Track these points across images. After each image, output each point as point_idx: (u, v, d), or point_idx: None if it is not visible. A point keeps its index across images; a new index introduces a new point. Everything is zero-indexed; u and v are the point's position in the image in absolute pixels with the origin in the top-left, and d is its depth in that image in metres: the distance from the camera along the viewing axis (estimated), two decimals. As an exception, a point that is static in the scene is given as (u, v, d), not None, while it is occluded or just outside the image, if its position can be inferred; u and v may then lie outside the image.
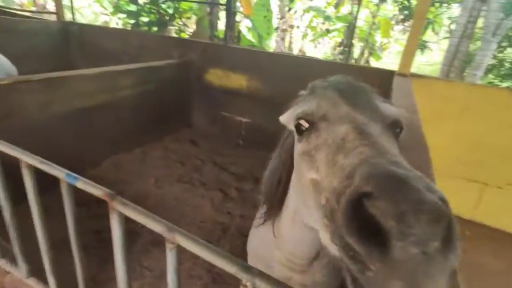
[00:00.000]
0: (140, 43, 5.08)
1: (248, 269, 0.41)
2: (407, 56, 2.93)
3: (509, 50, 11.47)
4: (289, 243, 1.08)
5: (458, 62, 7.47)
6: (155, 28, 6.85)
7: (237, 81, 4.27)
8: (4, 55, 3.20)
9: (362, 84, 0.89)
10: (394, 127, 0.74)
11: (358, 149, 0.60)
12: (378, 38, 14.97)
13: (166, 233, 0.49)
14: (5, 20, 4.99)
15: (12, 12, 6.07)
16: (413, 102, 1.82)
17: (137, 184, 3.22)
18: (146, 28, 6.95)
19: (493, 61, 10.22)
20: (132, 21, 6.95)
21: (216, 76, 4.44)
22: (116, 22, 8.61)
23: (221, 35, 6.07)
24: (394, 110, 0.78)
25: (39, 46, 5.27)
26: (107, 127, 3.45)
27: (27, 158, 0.78)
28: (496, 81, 10.87)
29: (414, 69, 3.20)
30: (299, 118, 0.80)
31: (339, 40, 15.31)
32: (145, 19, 6.83)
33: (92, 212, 2.70)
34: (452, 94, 2.95)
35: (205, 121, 4.75)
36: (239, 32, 6.24)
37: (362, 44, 15.37)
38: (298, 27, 13.93)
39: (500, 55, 11.30)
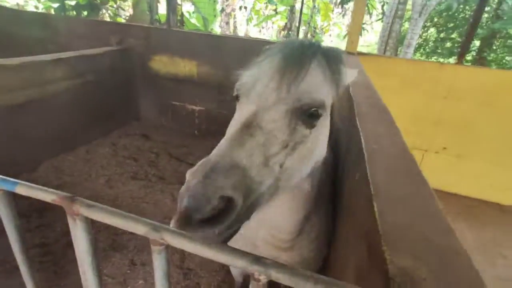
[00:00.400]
0: (69, 29, 4.50)
1: (259, 260, 0.35)
2: (353, 35, 3.04)
3: (432, 30, 12.77)
4: (269, 216, 1.04)
5: (392, 42, 8.09)
6: (85, 13, 6.04)
7: (186, 67, 4.05)
8: None
9: (312, 48, 0.89)
10: (308, 107, 0.79)
11: (222, 140, 0.72)
12: (318, 21, 15.50)
13: (151, 234, 0.41)
14: None
15: None
16: (366, 77, 1.89)
17: (84, 186, 2.91)
18: (73, 12, 6.10)
19: (419, 40, 11.31)
20: (56, 4, 6.03)
21: (162, 63, 4.15)
22: (35, 5, 7.41)
23: (163, 19, 5.66)
24: (318, 90, 0.84)
25: None
26: (38, 126, 3.02)
27: None
28: (422, 59, 12.08)
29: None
30: (236, 90, 0.88)
31: (283, 24, 15.50)
32: (71, 2, 5.98)
33: (33, 224, 2.38)
34: (393, 70, 3.17)
35: (154, 112, 4.45)
36: (182, 15, 5.85)
37: (304, 27, 15.78)
38: (245, 7, 13.67)
39: (425, 34, 12.55)
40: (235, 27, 15.56)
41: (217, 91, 4.05)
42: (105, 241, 2.30)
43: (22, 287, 1.26)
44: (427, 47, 13.36)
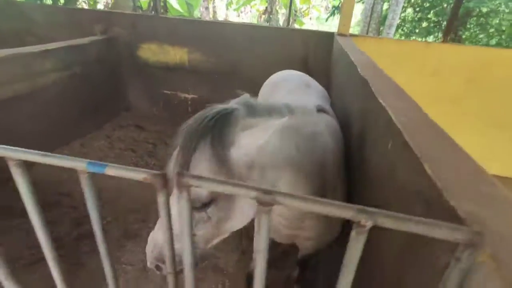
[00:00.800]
0: (47, 19, 4.27)
1: (365, 210, 0.43)
2: (345, 17, 3.10)
3: (409, 10, 13.02)
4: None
5: (373, 23, 8.22)
6: (61, 1, 5.68)
7: (177, 55, 3.98)
8: None
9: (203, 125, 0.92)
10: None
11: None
12: (298, 4, 15.39)
13: (263, 197, 0.46)
14: None
15: None
16: (369, 57, 1.97)
17: (86, 180, 2.87)
18: (49, 1, 5.73)
19: (399, 21, 11.53)
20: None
21: (151, 52, 4.06)
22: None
23: (144, 6, 5.46)
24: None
25: None
26: (29, 122, 2.92)
27: (17, 154, 0.63)
28: (402, 39, 12.35)
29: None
30: None
31: (262, 8, 15.28)
32: (43, -11, 5.61)
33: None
34: (384, 50, 3.27)
35: (145, 102, 4.37)
36: (165, 1, 5.66)
37: (284, 10, 15.64)
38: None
39: (403, 14, 12.79)
40: (214, 12, 15.20)
41: (209, 79, 4.03)
42: (117, 231, 2.32)
43: (42, 280, 1.28)
44: (404, 27, 13.64)
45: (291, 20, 14.69)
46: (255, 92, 3.59)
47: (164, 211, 0.59)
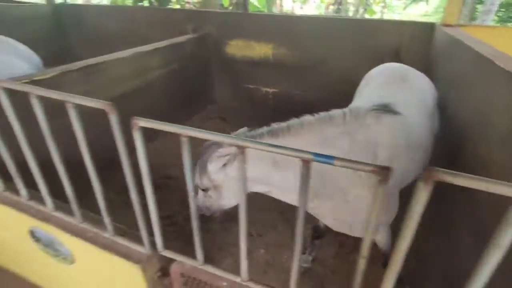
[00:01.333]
0: (147, 20, 4.77)
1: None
2: (453, 5, 2.83)
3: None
4: None
5: (466, 9, 7.32)
6: (155, 3, 6.34)
7: (262, 50, 4.11)
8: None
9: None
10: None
11: None
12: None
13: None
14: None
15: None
16: (495, 49, 1.79)
17: (181, 168, 3.18)
18: (142, 4, 6.42)
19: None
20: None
21: (237, 48, 4.26)
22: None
23: (226, 4, 5.73)
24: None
25: (32, 32, 4.89)
26: (141, 113, 3.33)
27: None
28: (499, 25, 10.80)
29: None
30: None
31: (330, -2, 14.72)
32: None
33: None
34: (499, 40, 2.91)
35: (229, 95, 4.63)
36: (246, -2, 5.84)
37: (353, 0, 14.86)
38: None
39: None
40: (281, 6, 15.18)
41: (291, 73, 4.08)
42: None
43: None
44: (499, 12, 11.91)
45: (361, 9, 13.91)
46: (342, 84, 3.55)
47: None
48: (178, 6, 6.37)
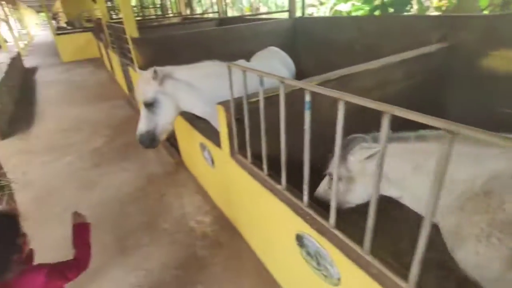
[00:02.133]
0: (376, 28, 4.52)
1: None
2: None
3: None
4: None
5: None
6: (391, 10, 6.05)
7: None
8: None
9: None
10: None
11: None
12: None
13: None
14: (254, 25, 5.68)
15: (247, 18, 7.02)
16: None
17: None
18: (377, 12, 6.26)
19: None
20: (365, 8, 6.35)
21: (505, 60, 3.24)
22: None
23: (483, 4, 4.58)
24: None
25: (274, 43, 5.74)
26: (371, 127, 3.13)
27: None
28: None
29: None
30: None
31: None
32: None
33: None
34: None
35: (475, 119, 3.66)
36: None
37: None
38: None
39: None
40: None
41: None
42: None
43: None
44: None
45: None
46: None
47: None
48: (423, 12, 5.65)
